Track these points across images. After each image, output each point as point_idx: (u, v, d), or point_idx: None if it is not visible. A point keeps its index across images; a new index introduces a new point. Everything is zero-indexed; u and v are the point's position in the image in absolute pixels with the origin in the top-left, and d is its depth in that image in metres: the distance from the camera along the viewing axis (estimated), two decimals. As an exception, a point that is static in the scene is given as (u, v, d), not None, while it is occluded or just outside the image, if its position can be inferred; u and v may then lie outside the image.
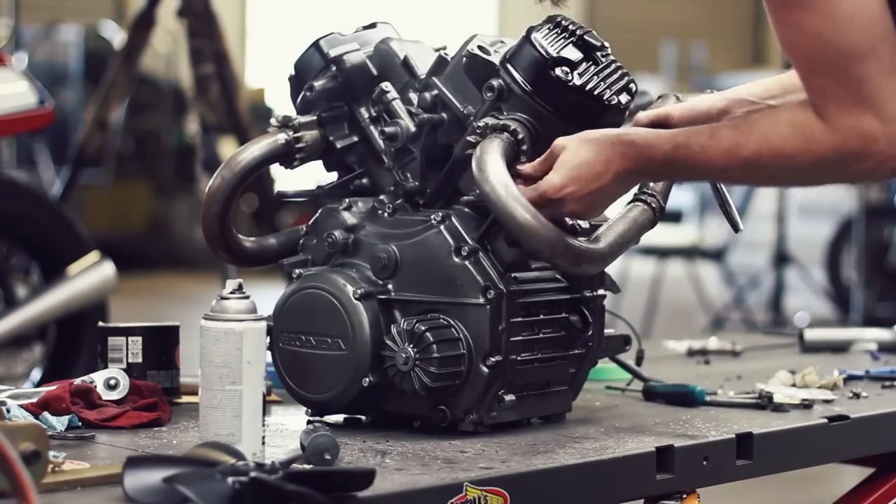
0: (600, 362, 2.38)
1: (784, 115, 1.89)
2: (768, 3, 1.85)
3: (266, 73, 14.82)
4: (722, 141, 1.93)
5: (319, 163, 2.30)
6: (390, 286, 2.13)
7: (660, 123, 2.22)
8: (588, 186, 2.00)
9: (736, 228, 2.26)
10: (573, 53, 2.10)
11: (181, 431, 2.07)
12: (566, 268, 2.09)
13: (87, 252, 4.58)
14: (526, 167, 2.06)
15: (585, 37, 2.11)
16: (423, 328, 2.05)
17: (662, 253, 8.58)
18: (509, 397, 2.10)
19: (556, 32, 2.11)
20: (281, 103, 12.32)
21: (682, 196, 10.43)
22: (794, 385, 2.52)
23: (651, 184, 2.18)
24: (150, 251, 12.53)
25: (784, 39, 1.88)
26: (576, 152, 2.01)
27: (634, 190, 2.16)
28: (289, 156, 2.25)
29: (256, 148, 2.24)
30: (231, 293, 1.91)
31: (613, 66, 2.13)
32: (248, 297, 1.92)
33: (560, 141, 2.04)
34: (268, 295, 2.26)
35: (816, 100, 1.85)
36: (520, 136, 2.07)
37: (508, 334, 2.09)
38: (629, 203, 2.17)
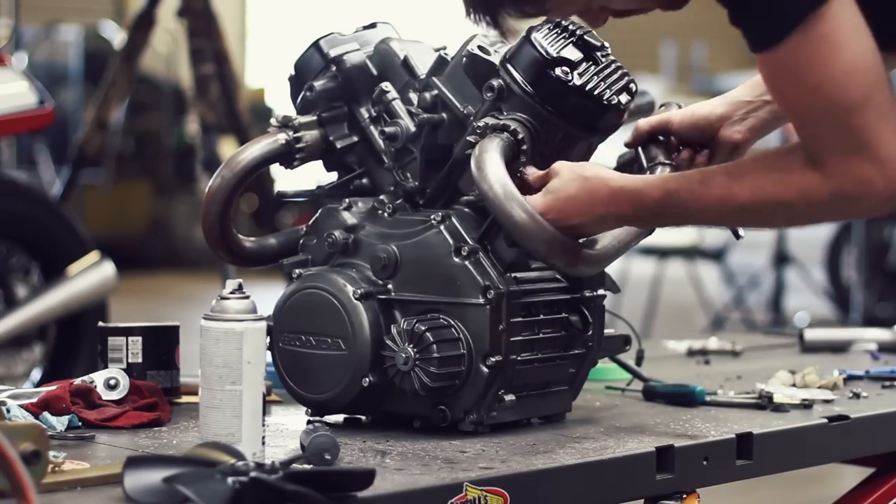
0: (600, 362, 2.38)
1: (777, 162, 1.89)
2: (763, 58, 1.83)
3: (266, 73, 14.82)
4: (714, 189, 1.92)
5: (319, 163, 2.30)
6: (390, 286, 2.13)
7: (660, 129, 2.23)
8: (568, 220, 2.02)
9: (736, 235, 2.26)
10: (573, 53, 2.10)
11: (181, 431, 2.07)
12: (562, 268, 2.09)
13: (87, 252, 4.58)
14: (530, 171, 2.07)
15: (585, 37, 2.12)
16: (423, 328, 2.05)
17: (662, 253, 8.58)
18: (509, 397, 2.10)
19: (556, 32, 2.11)
20: (281, 103, 12.33)
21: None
22: (794, 385, 2.52)
23: None
24: (150, 251, 12.53)
25: (778, 93, 1.89)
26: (566, 184, 2.03)
27: None
28: (289, 156, 2.25)
29: (256, 148, 2.24)
30: (231, 293, 1.91)
31: (613, 66, 2.13)
32: (248, 297, 1.92)
33: (557, 165, 2.05)
34: (268, 295, 2.26)
35: (811, 147, 1.85)
36: (520, 136, 2.07)
37: (508, 334, 2.09)
38: None
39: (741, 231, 2.26)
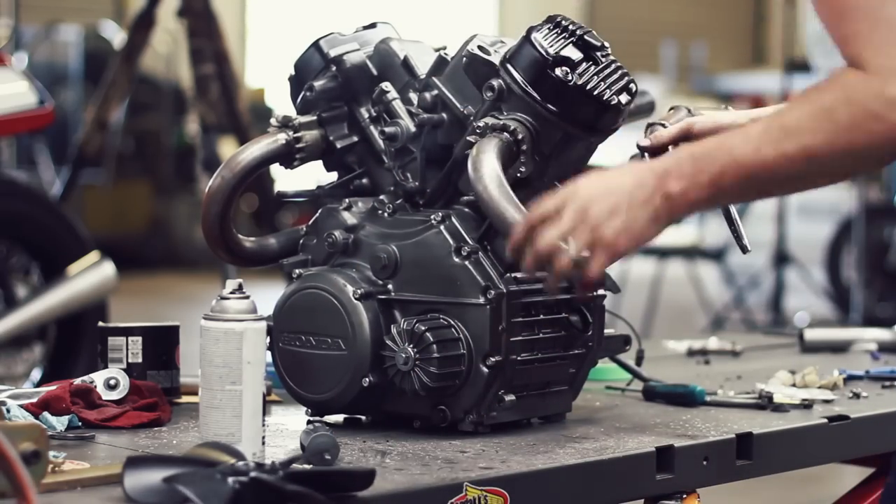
0: (600, 362, 2.38)
1: (824, 80, 1.82)
2: None
3: (266, 73, 14.82)
4: (761, 121, 1.84)
5: (319, 163, 2.30)
6: (390, 286, 2.13)
7: (682, 138, 2.20)
8: (607, 199, 1.90)
9: (744, 250, 2.26)
10: (573, 53, 2.10)
11: (181, 431, 2.07)
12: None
13: (87, 252, 4.58)
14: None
15: (585, 37, 2.12)
16: (423, 328, 2.05)
17: (662, 253, 8.59)
18: (509, 397, 2.10)
19: (556, 32, 2.11)
20: (281, 103, 12.32)
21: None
22: (794, 385, 2.52)
23: None
24: (150, 251, 12.53)
25: None
26: (595, 175, 1.94)
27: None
28: (289, 156, 2.25)
29: (256, 148, 2.24)
30: (231, 293, 1.92)
31: (613, 66, 2.13)
32: (248, 297, 1.92)
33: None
34: (268, 295, 2.26)
35: (851, 51, 1.77)
36: (519, 136, 2.07)
37: (508, 334, 2.09)
38: None
39: (748, 244, 2.25)
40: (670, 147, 2.21)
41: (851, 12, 1.78)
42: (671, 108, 2.31)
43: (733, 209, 2.25)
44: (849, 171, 1.90)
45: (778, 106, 2.09)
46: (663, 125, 2.24)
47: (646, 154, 2.22)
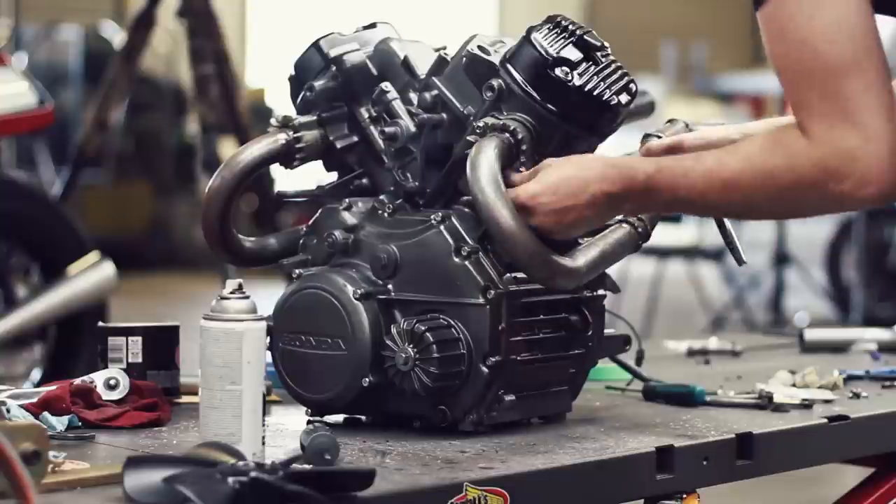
0: (600, 362, 2.38)
1: (770, 134, 1.88)
2: (760, 16, 1.84)
3: (266, 73, 14.82)
4: (705, 162, 1.91)
5: (319, 163, 2.30)
6: (390, 286, 2.13)
7: (672, 151, 2.20)
8: (562, 202, 2.00)
9: (739, 262, 2.27)
10: (573, 53, 2.10)
11: (181, 431, 2.07)
12: (539, 281, 2.08)
13: (87, 252, 4.58)
14: (515, 177, 2.06)
15: (585, 37, 2.11)
16: (423, 328, 2.05)
17: (662, 253, 8.58)
18: (509, 397, 2.10)
19: (556, 32, 2.11)
20: (281, 103, 12.32)
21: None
22: (794, 385, 2.52)
23: None
24: (150, 251, 12.52)
25: (770, 50, 1.87)
26: (559, 168, 2.02)
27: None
28: (289, 156, 2.25)
29: (256, 148, 2.24)
30: (231, 293, 1.92)
31: (613, 66, 2.13)
32: (248, 297, 1.92)
33: (548, 160, 2.04)
34: (268, 295, 2.26)
35: (800, 115, 1.83)
36: (519, 136, 2.07)
37: (508, 334, 2.09)
38: (615, 223, 2.16)
39: (743, 255, 2.26)
40: None
41: (806, 80, 1.82)
42: (668, 121, 2.31)
43: (728, 222, 2.26)
44: (796, 217, 2.02)
45: (732, 135, 2.17)
46: (658, 136, 2.24)
47: None
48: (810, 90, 1.81)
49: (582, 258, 2.09)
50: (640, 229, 2.16)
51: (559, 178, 2.01)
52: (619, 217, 2.15)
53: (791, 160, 1.82)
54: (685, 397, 2.36)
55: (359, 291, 2.11)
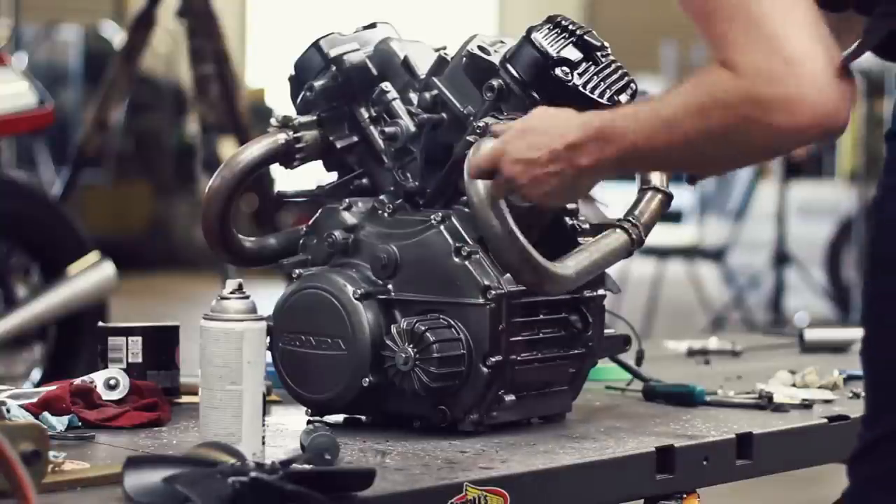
0: (600, 362, 2.38)
1: (696, 74, 1.78)
2: None
3: (266, 73, 14.82)
4: (650, 102, 1.83)
5: (319, 163, 2.30)
6: (390, 286, 2.13)
7: None
8: (525, 153, 1.93)
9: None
10: (573, 53, 2.10)
11: (181, 431, 2.07)
12: (529, 286, 2.08)
13: (87, 252, 4.58)
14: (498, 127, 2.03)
15: (585, 37, 2.12)
16: (423, 328, 2.05)
17: (662, 253, 8.58)
18: (509, 397, 2.10)
19: (556, 32, 2.11)
20: (281, 103, 12.32)
21: (682, 196, 10.42)
22: (794, 385, 2.52)
23: (635, 212, 2.18)
24: (150, 251, 12.51)
25: None
26: (527, 117, 1.99)
27: (620, 214, 2.16)
28: (289, 156, 2.25)
29: (256, 148, 2.24)
30: (231, 293, 1.92)
31: (613, 66, 2.13)
32: (248, 297, 1.92)
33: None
34: (268, 295, 2.26)
35: (721, 51, 1.72)
36: (520, 136, 2.07)
37: (508, 334, 2.09)
38: (608, 229, 2.16)
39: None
40: None
41: (717, 13, 1.72)
42: None
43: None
44: (742, 161, 1.90)
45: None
46: None
47: None
48: (723, 22, 1.71)
49: (572, 264, 2.08)
50: (633, 235, 2.16)
51: (523, 127, 1.96)
52: (615, 221, 2.15)
53: (719, 95, 1.72)
54: (685, 397, 2.36)
55: (359, 291, 2.11)
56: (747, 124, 1.71)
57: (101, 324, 2.30)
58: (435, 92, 2.17)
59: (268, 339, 2.00)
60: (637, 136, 1.82)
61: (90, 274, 4.45)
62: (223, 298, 1.91)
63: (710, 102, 1.72)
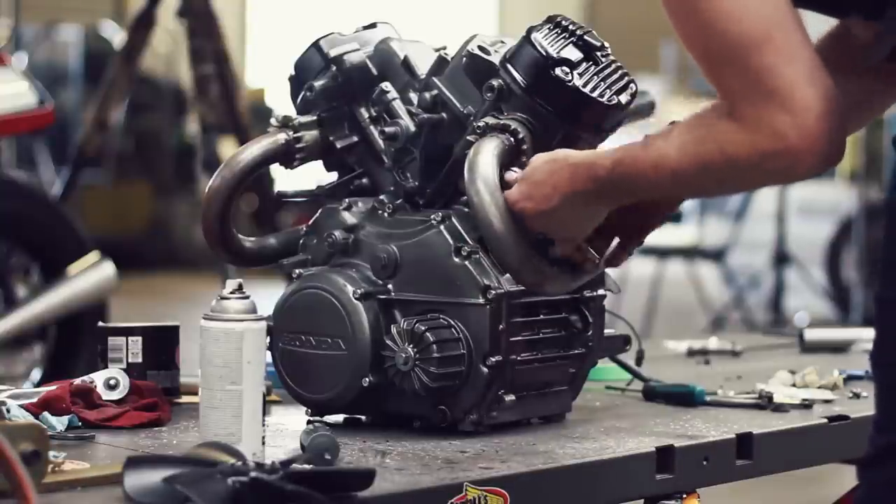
0: (600, 362, 2.38)
1: (701, 117, 1.82)
2: (663, 4, 1.79)
3: (266, 73, 14.82)
4: (650, 153, 1.85)
5: (319, 163, 2.30)
6: (390, 286, 2.13)
7: None
8: (538, 206, 1.98)
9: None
10: (573, 53, 2.10)
11: (181, 431, 2.07)
12: (529, 286, 2.08)
13: (87, 252, 4.58)
14: (509, 176, 2.05)
15: (585, 37, 2.11)
16: (423, 328, 2.05)
17: (662, 253, 8.58)
18: (509, 397, 2.10)
19: (556, 32, 2.11)
20: (281, 103, 12.32)
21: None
22: (794, 385, 2.52)
23: None
24: (150, 251, 12.51)
25: (679, 32, 1.81)
26: (534, 170, 2.01)
27: None
28: (289, 156, 2.25)
29: (256, 148, 2.24)
30: (231, 293, 1.92)
31: (613, 66, 2.13)
32: (248, 297, 1.92)
33: (536, 156, 2.03)
34: (268, 295, 2.26)
35: (725, 98, 1.76)
36: (520, 136, 2.07)
37: (508, 334, 2.09)
38: None
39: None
40: None
41: (720, 62, 1.76)
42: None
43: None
44: (754, 189, 2.06)
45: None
46: None
47: None
48: (726, 71, 1.74)
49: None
50: None
51: (534, 182, 1.99)
52: None
53: (723, 147, 1.75)
54: (685, 397, 2.36)
55: (359, 291, 2.11)
56: (754, 171, 1.77)
57: (101, 324, 2.30)
58: (435, 92, 2.17)
59: (268, 339, 2.00)
60: (645, 183, 1.87)
61: (90, 274, 4.45)
62: (223, 298, 1.91)
63: (717, 155, 1.77)
